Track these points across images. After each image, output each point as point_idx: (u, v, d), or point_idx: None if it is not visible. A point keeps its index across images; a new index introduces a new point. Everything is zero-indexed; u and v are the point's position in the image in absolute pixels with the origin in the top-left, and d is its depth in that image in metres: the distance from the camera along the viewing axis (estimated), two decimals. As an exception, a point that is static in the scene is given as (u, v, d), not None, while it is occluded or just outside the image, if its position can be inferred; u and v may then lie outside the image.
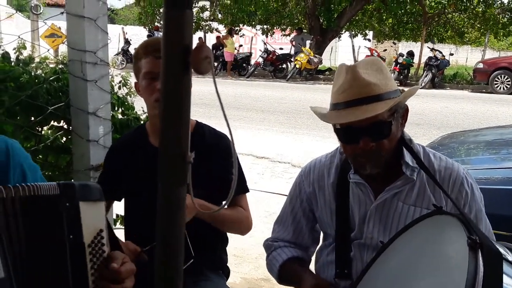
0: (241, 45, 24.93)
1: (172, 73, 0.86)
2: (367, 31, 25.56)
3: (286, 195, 2.21)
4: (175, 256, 0.92)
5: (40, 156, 2.98)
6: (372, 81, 1.72)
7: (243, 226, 2.24)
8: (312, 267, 2.11)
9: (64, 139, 3.14)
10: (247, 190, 2.26)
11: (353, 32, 24.33)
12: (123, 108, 3.09)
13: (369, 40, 25.36)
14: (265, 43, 22.31)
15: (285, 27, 24.27)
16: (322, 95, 14.33)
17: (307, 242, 2.10)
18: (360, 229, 1.90)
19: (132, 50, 23.58)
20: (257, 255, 4.43)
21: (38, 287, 1.23)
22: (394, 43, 26.74)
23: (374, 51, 21.01)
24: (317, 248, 2.14)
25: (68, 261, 1.28)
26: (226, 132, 1.07)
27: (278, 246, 2.08)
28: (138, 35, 27.46)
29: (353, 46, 22.15)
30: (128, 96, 3.09)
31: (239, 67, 22.84)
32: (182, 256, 0.92)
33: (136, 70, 2.11)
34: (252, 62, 23.01)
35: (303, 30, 23.35)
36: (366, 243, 1.88)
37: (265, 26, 24.11)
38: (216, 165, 2.14)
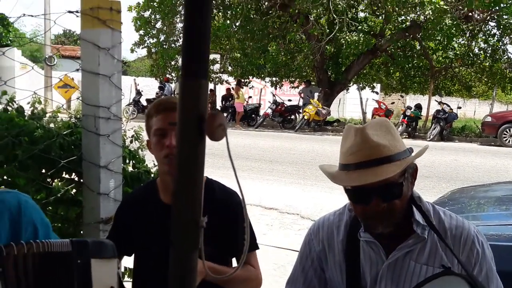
0: (250, 97, 25.27)
1: (187, 139, 0.89)
2: (374, 84, 25.85)
3: (294, 250, 2.20)
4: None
5: (50, 208, 3.00)
6: (381, 142, 1.74)
7: (253, 285, 2.22)
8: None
9: (74, 191, 3.16)
10: (257, 247, 2.25)
11: (361, 85, 24.63)
12: (134, 161, 3.12)
13: (376, 92, 25.62)
14: (274, 95, 22.63)
15: (293, 79, 24.64)
16: (330, 146, 14.39)
17: None
18: (372, 289, 1.87)
19: (143, 101, 23.97)
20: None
21: None
22: (402, 96, 26.98)
23: (381, 104, 21.19)
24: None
25: None
26: (235, 187, 1.08)
27: None
28: (149, 86, 27.98)
29: (361, 98, 22.38)
30: (140, 150, 3.13)
31: (248, 117, 23.09)
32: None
33: (147, 128, 2.16)
34: (261, 113, 23.27)
35: (312, 83, 23.68)
36: (380, 303, 1.85)
37: (274, 78, 24.50)
38: (225, 222, 2.14)
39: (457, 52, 22.69)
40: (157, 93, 24.54)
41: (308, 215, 7.08)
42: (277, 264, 5.26)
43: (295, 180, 9.81)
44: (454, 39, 20.86)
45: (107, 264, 1.38)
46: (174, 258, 0.91)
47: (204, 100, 0.89)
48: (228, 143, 0.91)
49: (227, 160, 0.92)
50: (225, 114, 22.16)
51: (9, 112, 2.78)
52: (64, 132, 2.84)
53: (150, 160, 3.06)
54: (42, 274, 1.25)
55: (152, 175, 3.18)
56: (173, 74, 24.30)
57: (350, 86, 24.91)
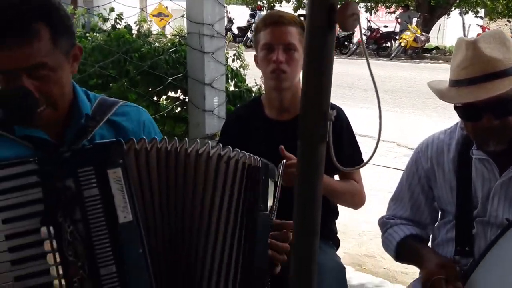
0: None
1: (317, 30, 0.87)
2: (478, 8, 24.03)
3: (393, 168, 2.16)
4: (312, 215, 0.93)
5: (158, 124, 3.14)
6: (495, 56, 1.62)
7: (357, 200, 2.22)
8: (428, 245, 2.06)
9: (179, 109, 3.28)
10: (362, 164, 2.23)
11: (464, 9, 22.98)
12: (236, 80, 3.16)
13: (481, 17, 23.85)
14: (368, 21, 21.72)
15: (390, 4, 23.44)
16: (429, 74, 13.75)
17: (426, 220, 2.04)
18: (484, 206, 1.81)
19: (235, 29, 23.97)
20: (360, 231, 4.40)
21: (166, 232, 1.30)
22: (509, 21, 24.94)
23: (486, 29, 19.76)
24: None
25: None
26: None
27: (395, 224, 2.04)
28: (241, 14, 27.84)
29: (463, 24, 20.97)
30: (241, 69, 3.15)
31: (341, 45, 22.47)
32: (319, 215, 0.94)
33: (255, 42, 2.15)
34: (355, 40, 22.55)
35: (410, 7, 22.43)
36: (490, 221, 1.80)
37: (368, 4, 23.45)
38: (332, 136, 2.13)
39: None
40: (248, 21, 24.41)
41: (405, 144, 6.91)
42: (374, 188, 5.24)
43: (390, 108, 9.54)
44: None
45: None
46: (301, 151, 0.91)
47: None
48: (362, 33, 0.88)
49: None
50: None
51: (118, 29, 2.88)
52: (170, 50, 2.91)
53: (252, 79, 3.10)
54: (158, 169, 1.31)
55: (253, 94, 3.21)
56: (264, 1, 23.95)
57: (451, 11, 23.33)
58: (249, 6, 25.57)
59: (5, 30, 1.22)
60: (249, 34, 20.16)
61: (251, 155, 1.39)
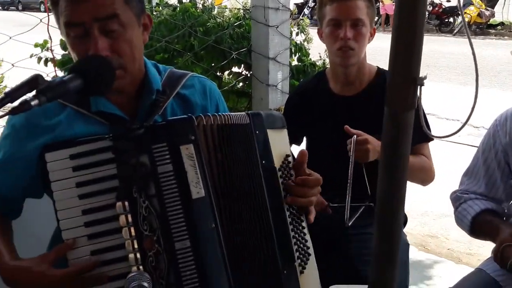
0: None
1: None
2: (550, -20, 22.69)
3: (463, 143, 2.07)
4: (397, 185, 0.90)
5: (221, 99, 3.15)
6: None
7: (426, 176, 2.15)
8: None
9: (241, 84, 3.28)
10: (431, 138, 2.15)
11: (534, -19, 21.77)
12: (299, 54, 3.12)
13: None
14: (431, -5, 20.98)
15: (454, -23, 22.49)
16: (494, 50, 13.18)
17: (501, 196, 1.95)
18: None
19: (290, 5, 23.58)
20: (423, 211, 4.29)
21: (236, 205, 1.29)
22: None
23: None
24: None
25: (263, 184, 1.33)
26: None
27: (469, 198, 1.97)
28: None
29: (533, -4, 19.89)
30: (305, 43, 3.11)
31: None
32: (404, 185, 0.90)
33: (320, 16, 2.09)
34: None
35: (475, -20, 21.48)
36: None
37: (431, -23, 22.60)
38: None
39: None
40: (305, -3, 24.04)
41: (470, 122, 6.66)
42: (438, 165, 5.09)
43: (454, 86, 9.22)
44: None
45: (279, 133, 1.41)
46: (388, 118, 0.88)
47: None
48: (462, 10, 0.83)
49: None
50: (376, 18, 21.14)
51: (183, 4, 2.89)
52: (235, 24, 2.89)
53: (315, 53, 3.05)
54: (225, 145, 1.30)
55: (317, 69, 3.16)
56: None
57: (519, -17, 22.17)
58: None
59: None
60: (306, 11, 19.87)
61: (231, 114, 1.35)
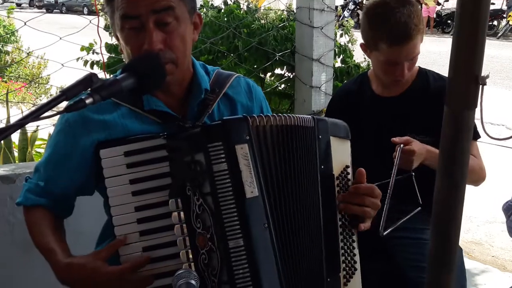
0: (446, 0, 23.28)
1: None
2: None
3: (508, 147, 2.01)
4: (457, 186, 0.88)
5: (263, 102, 3.16)
6: None
7: (477, 175, 2.08)
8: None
9: (283, 86, 3.28)
10: (478, 136, 2.09)
11: None
12: (343, 56, 3.10)
13: None
14: (473, -2, 20.50)
15: (498, -21, 21.97)
16: (540, 53, 12.79)
17: None
18: None
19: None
20: (466, 217, 4.19)
21: (289, 207, 1.29)
22: None
23: None
24: None
25: (319, 189, 1.33)
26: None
27: None
28: (336, -8, 27.12)
29: None
30: (350, 44, 3.09)
31: (444, 23, 21.43)
32: (464, 185, 0.89)
33: (370, 42, 1.97)
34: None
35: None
36: None
37: (474, -21, 22.08)
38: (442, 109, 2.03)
39: None
40: (344, 0, 23.86)
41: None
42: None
43: (499, 90, 9.00)
44: None
45: (342, 143, 1.40)
46: (447, 116, 0.86)
47: None
48: None
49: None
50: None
51: (229, 5, 2.91)
52: (279, 25, 2.90)
53: (360, 54, 3.01)
54: (282, 145, 1.30)
55: (360, 70, 3.13)
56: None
57: None
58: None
59: None
60: (346, 13, 19.72)
61: (295, 116, 1.35)
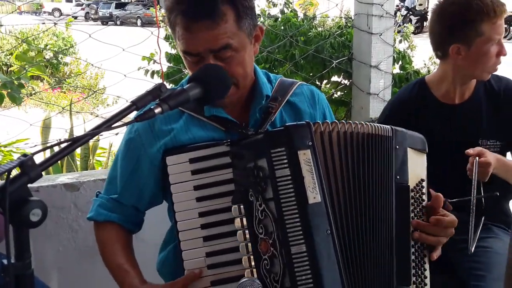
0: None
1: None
2: None
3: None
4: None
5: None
6: None
7: None
8: None
9: (339, 93, 3.25)
10: None
11: None
12: (402, 62, 3.04)
13: None
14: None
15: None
16: None
17: None
18: None
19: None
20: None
21: (355, 216, 1.27)
22: None
23: None
24: None
25: (393, 199, 1.31)
26: None
27: None
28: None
29: None
30: (409, 50, 3.03)
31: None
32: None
33: (468, 33, 1.90)
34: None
35: None
36: None
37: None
38: (509, 112, 1.97)
39: None
40: (397, 5, 23.46)
41: None
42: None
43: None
44: None
45: (418, 155, 1.38)
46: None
47: None
48: None
49: None
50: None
51: (286, 14, 2.92)
52: (336, 33, 2.88)
53: (421, 61, 2.96)
54: (350, 152, 1.29)
55: (420, 76, 3.06)
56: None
57: None
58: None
59: (198, 12, 1.28)
60: (397, 19, 19.36)
61: (373, 124, 1.34)
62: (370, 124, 1.32)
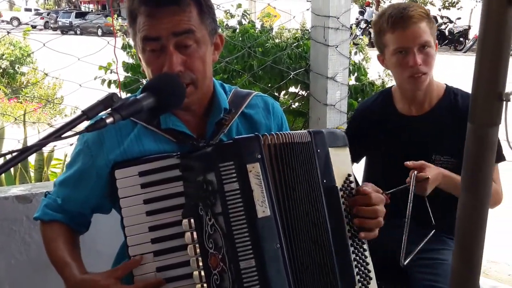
0: (458, 18, 23.31)
1: (494, 8, 0.79)
2: None
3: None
4: (480, 204, 0.86)
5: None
6: None
7: (494, 198, 2.04)
8: None
9: (297, 104, 3.28)
10: (503, 159, 2.04)
11: None
12: (357, 74, 3.09)
13: None
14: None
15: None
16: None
17: None
18: None
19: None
20: (485, 237, 4.13)
21: (298, 225, 1.28)
22: None
23: None
24: None
25: (324, 204, 1.31)
26: None
27: None
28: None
29: None
30: (364, 62, 3.08)
31: (455, 41, 21.44)
32: (487, 203, 0.87)
33: (380, 44, 1.99)
34: (470, 36, 21.38)
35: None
36: None
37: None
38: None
39: None
40: (357, 18, 24.01)
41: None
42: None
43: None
44: None
45: (341, 152, 1.39)
46: (471, 134, 0.84)
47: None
48: None
49: None
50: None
51: (244, 25, 2.93)
52: (294, 44, 2.91)
53: (373, 71, 3.00)
54: (287, 163, 1.29)
55: (374, 87, 3.12)
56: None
57: None
58: (358, 3, 25.17)
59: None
60: (358, 32, 19.80)
61: (292, 132, 1.34)
62: (289, 133, 1.32)
